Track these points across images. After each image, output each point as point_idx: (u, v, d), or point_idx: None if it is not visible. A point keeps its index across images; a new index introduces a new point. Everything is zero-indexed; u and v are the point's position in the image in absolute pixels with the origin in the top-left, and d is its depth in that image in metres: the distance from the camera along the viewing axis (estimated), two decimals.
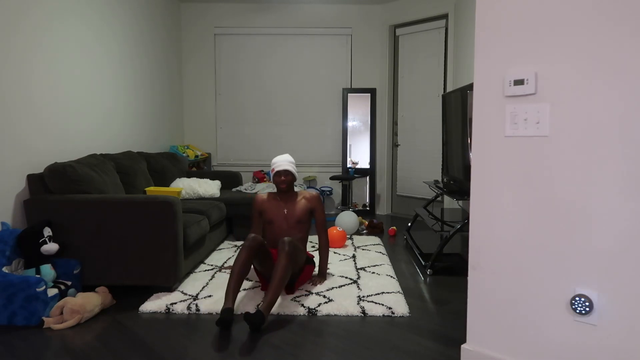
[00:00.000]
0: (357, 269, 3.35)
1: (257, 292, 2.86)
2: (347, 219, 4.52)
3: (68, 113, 3.34)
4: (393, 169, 5.82)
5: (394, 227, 4.68)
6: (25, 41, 2.88)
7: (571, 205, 1.61)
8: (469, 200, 2.05)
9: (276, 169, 2.97)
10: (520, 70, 1.70)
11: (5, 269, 2.49)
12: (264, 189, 4.56)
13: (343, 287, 2.95)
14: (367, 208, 5.80)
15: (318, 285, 2.97)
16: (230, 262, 3.54)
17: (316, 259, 3.63)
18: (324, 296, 2.79)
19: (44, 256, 2.59)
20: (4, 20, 2.70)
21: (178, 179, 4.32)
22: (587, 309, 1.57)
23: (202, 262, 3.56)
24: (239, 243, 4.17)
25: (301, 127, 5.89)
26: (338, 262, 3.54)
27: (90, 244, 2.76)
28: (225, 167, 5.89)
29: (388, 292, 2.85)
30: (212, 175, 4.84)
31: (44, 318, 2.39)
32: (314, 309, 2.58)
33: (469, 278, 1.92)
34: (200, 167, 5.57)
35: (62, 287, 2.62)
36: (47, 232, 2.63)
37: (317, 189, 5.67)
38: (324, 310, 2.57)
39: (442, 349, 2.14)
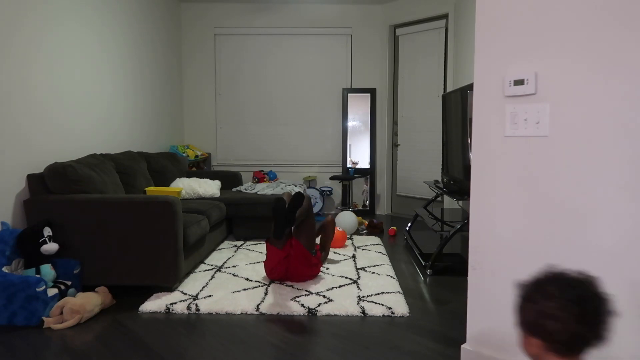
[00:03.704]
0: (357, 269, 3.35)
1: (257, 292, 2.86)
2: (346, 219, 4.52)
3: (68, 113, 3.34)
4: (393, 169, 5.82)
5: (394, 227, 4.68)
6: (25, 41, 2.88)
7: (571, 205, 1.61)
8: (469, 200, 2.05)
9: None
10: (520, 70, 1.70)
11: (5, 269, 2.49)
12: (264, 189, 4.56)
13: (343, 287, 2.95)
14: (367, 208, 5.80)
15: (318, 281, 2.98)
16: (231, 263, 3.54)
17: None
18: (324, 296, 2.79)
19: (44, 256, 2.59)
20: (5, 21, 2.70)
21: (178, 179, 4.32)
22: None
23: (202, 262, 3.56)
24: (239, 243, 4.17)
25: (301, 127, 5.89)
26: (338, 262, 3.54)
27: (90, 244, 2.76)
28: (225, 167, 5.89)
29: (388, 292, 2.85)
30: (212, 175, 4.84)
31: (44, 318, 2.39)
32: (314, 309, 2.58)
33: (469, 278, 1.93)
34: (200, 167, 5.57)
35: (62, 287, 2.61)
36: (47, 232, 2.63)
37: (317, 189, 5.67)
38: (324, 310, 2.57)
39: (442, 349, 2.14)
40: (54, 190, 2.87)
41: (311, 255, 3.02)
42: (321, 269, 3.35)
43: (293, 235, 3.04)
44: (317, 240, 3.76)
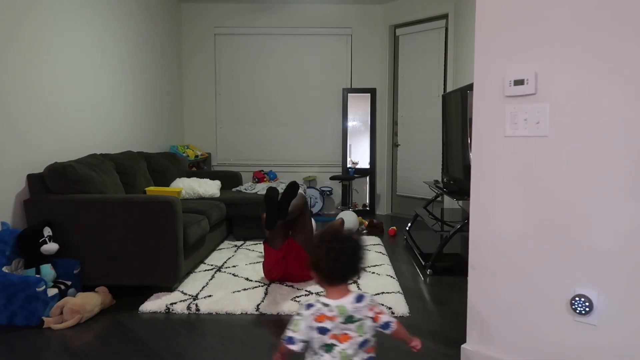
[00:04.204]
0: None
1: (257, 292, 2.86)
2: (347, 219, 4.52)
3: (68, 113, 3.34)
4: (393, 169, 5.82)
5: (394, 227, 4.68)
6: (26, 41, 2.88)
7: (571, 205, 1.61)
8: (469, 200, 2.05)
9: None
10: (520, 70, 1.70)
11: (5, 269, 2.49)
12: (264, 189, 4.56)
13: None
14: (367, 208, 5.80)
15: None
16: (231, 263, 3.54)
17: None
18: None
19: (44, 256, 2.59)
20: (6, 21, 2.70)
21: (178, 179, 4.32)
22: (587, 309, 1.57)
23: (202, 262, 3.56)
24: (239, 243, 4.17)
25: (301, 127, 5.89)
26: None
27: (90, 244, 2.76)
28: (225, 167, 5.89)
29: (388, 292, 2.85)
30: (212, 175, 4.84)
31: (44, 318, 2.39)
32: None
33: (469, 278, 1.93)
34: (200, 167, 5.57)
35: (62, 287, 2.62)
36: (47, 232, 2.63)
37: (317, 189, 5.67)
38: None
39: (442, 349, 2.14)
40: (54, 190, 2.87)
41: (307, 255, 3.01)
42: None
43: (290, 235, 3.03)
44: None
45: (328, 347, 1.29)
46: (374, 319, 1.35)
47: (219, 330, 2.36)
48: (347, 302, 1.32)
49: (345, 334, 1.29)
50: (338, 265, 1.33)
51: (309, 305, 1.33)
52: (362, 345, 1.32)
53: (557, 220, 1.65)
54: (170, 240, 2.78)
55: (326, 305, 1.32)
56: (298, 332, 1.31)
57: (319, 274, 1.36)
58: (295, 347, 1.31)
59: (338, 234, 1.38)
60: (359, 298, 1.35)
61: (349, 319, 1.31)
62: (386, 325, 1.37)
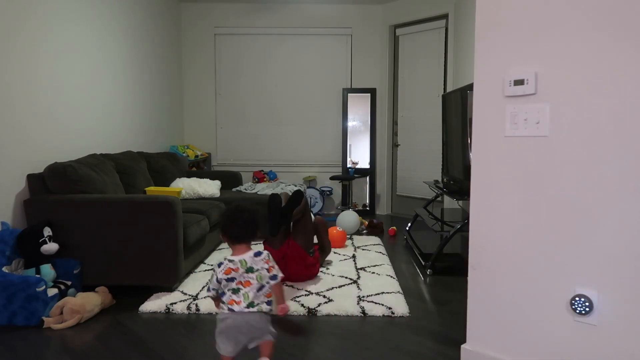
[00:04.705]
0: (357, 269, 3.35)
1: None
2: (348, 219, 4.52)
3: (69, 113, 3.34)
4: (393, 169, 5.82)
5: (394, 227, 4.68)
6: (26, 42, 2.88)
7: (571, 205, 1.61)
8: (469, 200, 2.05)
9: None
10: (520, 71, 1.70)
11: (5, 269, 2.49)
12: (264, 189, 4.56)
13: (343, 287, 2.95)
14: (367, 208, 5.79)
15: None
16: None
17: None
18: (324, 296, 2.79)
19: (44, 256, 2.59)
20: (8, 21, 2.70)
21: (178, 179, 4.32)
22: (587, 309, 1.57)
23: (202, 262, 3.56)
24: None
25: (301, 127, 5.89)
26: (338, 262, 3.54)
27: (90, 244, 2.76)
28: (225, 167, 5.89)
29: (388, 292, 2.85)
30: (212, 175, 4.84)
31: (44, 318, 2.39)
32: (314, 309, 2.58)
33: (469, 278, 1.93)
34: (200, 167, 5.57)
35: (62, 287, 2.61)
36: (47, 232, 2.63)
37: (317, 189, 5.67)
38: (324, 310, 2.57)
39: (442, 349, 2.14)
40: (54, 190, 2.86)
41: (308, 256, 3.02)
42: (321, 269, 3.35)
43: (290, 234, 3.03)
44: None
45: (235, 290, 1.70)
46: (269, 270, 1.74)
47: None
48: (247, 256, 1.72)
49: (248, 281, 1.70)
50: (239, 229, 1.72)
51: (220, 264, 1.73)
52: (260, 289, 1.72)
53: (557, 220, 1.65)
54: (170, 240, 2.78)
55: (231, 261, 1.72)
56: (211, 283, 1.74)
57: (226, 236, 1.75)
58: (210, 293, 1.76)
59: (239, 207, 1.78)
60: (257, 254, 1.75)
61: (250, 270, 1.71)
62: (274, 277, 1.74)
